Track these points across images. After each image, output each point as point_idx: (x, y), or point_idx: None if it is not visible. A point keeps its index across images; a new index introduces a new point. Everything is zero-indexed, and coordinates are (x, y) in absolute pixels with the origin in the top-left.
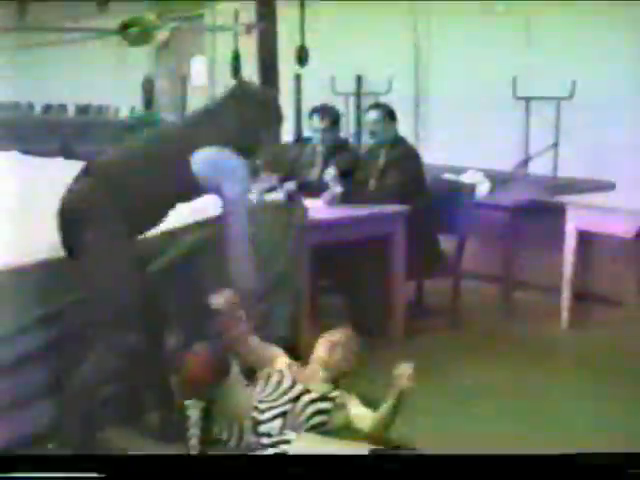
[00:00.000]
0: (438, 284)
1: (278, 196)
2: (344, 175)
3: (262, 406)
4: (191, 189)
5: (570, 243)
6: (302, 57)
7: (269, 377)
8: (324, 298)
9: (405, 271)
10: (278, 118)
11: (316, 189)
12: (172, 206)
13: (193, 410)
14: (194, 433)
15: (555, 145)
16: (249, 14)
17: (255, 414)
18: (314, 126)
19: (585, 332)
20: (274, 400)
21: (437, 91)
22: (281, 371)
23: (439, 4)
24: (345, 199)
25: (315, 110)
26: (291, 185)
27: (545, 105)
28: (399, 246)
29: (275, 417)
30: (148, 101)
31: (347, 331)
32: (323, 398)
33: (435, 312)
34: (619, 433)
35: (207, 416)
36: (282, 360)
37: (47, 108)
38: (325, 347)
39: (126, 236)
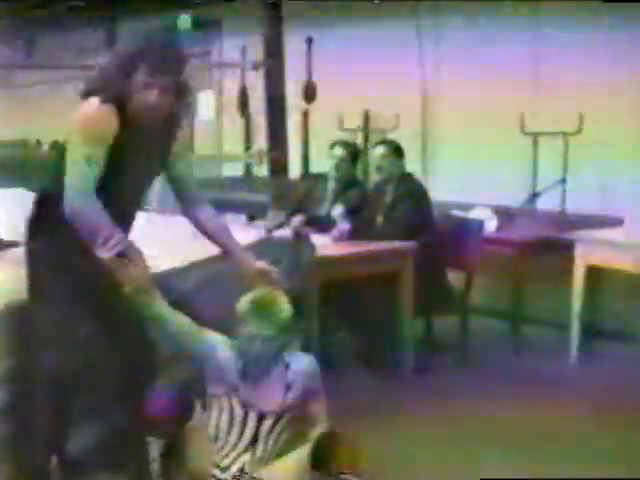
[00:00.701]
0: (446, 320)
1: (286, 232)
2: (352, 211)
3: (223, 463)
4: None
5: (579, 278)
6: (309, 93)
7: (220, 414)
8: (333, 334)
9: (413, 307)
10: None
11: (324, 225)
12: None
13: (153, 447)
14: (154, 469)
15: (563, 180)
16: (256, 50)
17: (217, 472)
18: (335, 154)
19: (595, 367)
20: (232, 450)
21: (445, 127)
22: (229, 401)
23: (447, 40)
24: (353, 235)
25: (338, 142)
26: (297, 220)
27: (553, 140)
28: (407, 282)
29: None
30: None
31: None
32: (280, 416)
33: (444, 348)
34: (627, 469)
35: (168, 454)
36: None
37: (54, 146)
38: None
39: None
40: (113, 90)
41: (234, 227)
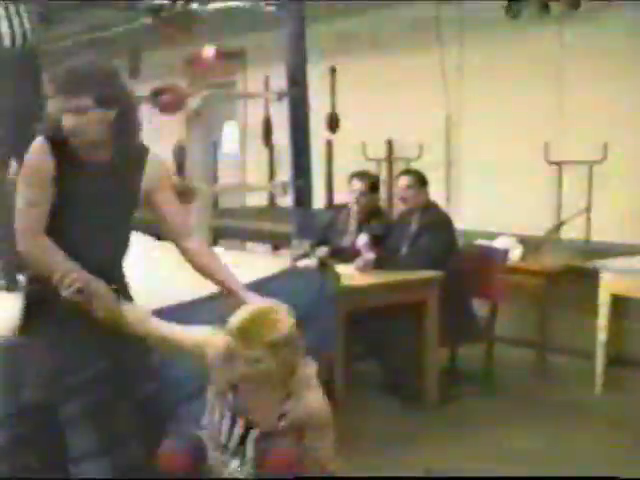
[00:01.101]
0: (471, 349)
1: (311, 262)
2: (377, 241)
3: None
4: None
5: (604, 307)
6: (333, 123)
7: (213, 411)
8: (358, 364)
9: (438, 336)
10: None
11: (349, 255)
12: None
13: None
14: None
15: (587, 209)
16: (280, 80)
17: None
18: (354, 188)
19: (619, 397)
20: (223, 452)
21: (469, 156)
22: (221, 402)
23: (471, 68)
24: (378, 265)
25: (356, 174)
26: (323, 251)
27: (577, 169)
28: (432, 311)
29: None
30: (180, 167)
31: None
32: (270, 434)
33: (469, 377)
34: None
35: None
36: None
37: None
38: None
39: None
40: (46, 124)
41: (258, 256)
